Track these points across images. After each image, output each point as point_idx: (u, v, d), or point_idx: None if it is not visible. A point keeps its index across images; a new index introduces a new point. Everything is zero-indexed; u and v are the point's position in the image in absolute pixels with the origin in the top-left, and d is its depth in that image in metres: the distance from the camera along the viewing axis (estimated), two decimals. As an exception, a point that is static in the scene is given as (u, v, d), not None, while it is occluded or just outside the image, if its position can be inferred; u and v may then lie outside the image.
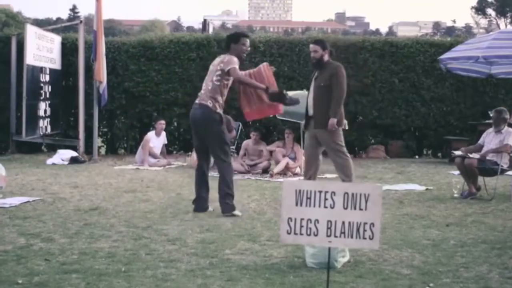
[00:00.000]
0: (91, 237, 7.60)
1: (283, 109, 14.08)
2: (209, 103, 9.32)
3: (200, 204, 9.54)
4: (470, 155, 11.20)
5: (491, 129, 11.53)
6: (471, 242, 7.67)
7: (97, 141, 17.48)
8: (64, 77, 18.92)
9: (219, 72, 9.35)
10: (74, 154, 16.30)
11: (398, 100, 19.28)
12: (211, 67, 9.54)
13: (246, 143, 15.29)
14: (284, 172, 14.26)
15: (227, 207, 9.26)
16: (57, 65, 18.29)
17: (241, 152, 15.23)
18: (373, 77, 19.23)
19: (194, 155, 14.91)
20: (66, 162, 15.74)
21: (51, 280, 5.81)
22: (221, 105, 9.49)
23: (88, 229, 8.06)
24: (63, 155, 16.12)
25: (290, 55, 19.22)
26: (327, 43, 10.74)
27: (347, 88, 10.39)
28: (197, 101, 9.47)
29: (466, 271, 6.36)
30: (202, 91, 9.45)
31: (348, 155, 10.55)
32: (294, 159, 14.56)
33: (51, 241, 7.37)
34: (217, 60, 9.56)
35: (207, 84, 9.41)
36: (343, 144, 10.52)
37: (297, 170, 14.37)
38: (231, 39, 9.81)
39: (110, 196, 10.64)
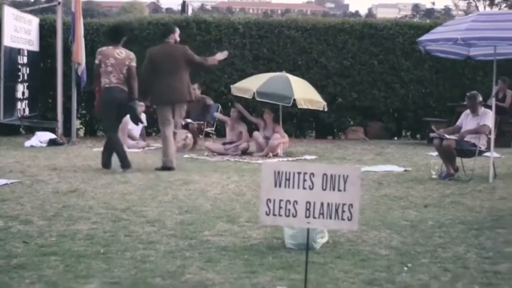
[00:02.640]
0: (70, 219, 7.58)
1: (262, 90, 14.15)
2: (125, 88, 11.36)
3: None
4: (448, 136, 11.25)
5: (468, 111, 11.57)
6: (449, 222, 7.71)
7: (76, 123, 17.39)
8: (42, 59, 18.81)
9: (126, 67, 11.35)
10: (53, 136, 16.22)
11: (377, 82, 19.33)
12: (118, 60, 11.30)
13: (228, 119, 15.23)
14: (266, 153, 14.19)
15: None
16: (35, 47, 18.16)
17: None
18: (352, 59, 19.26)
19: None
20: (44, 144, 15.66)
21: (30, 262, 5.79)
22: None
23: (67, 211, 8.03)
24: (42, 137, 16.04)
25: (270, 36, 19.20)
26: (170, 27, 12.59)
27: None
28: (119, 85, 11.32)
29: (444, 251, 6.40)
30: (117, 79, 11.30)
31: (164, 132, 11.99)
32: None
33: (30, 224, 7.34)
34: (123, 55, 11.40)
35: (123, 74, 11.31)
36: (162, 120, 12.04)
37: (278, 150, 14.35)
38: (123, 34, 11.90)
39: (88, 178, 10.60)
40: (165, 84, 11.81)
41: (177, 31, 12.32)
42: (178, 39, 12.26)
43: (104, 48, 11.64)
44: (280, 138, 14.38)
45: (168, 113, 11.98)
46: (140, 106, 15.63)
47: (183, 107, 12.33)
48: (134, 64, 11.46)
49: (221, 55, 12.56)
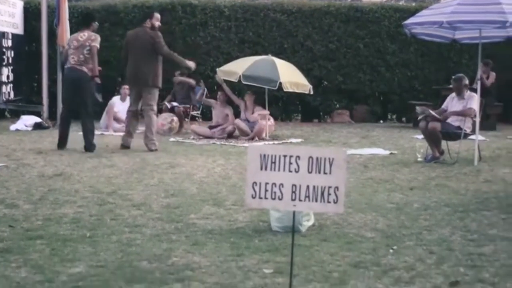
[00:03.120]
0: (56, 203, 7.56)
1: (248, 73, 14.14)
2: (83, 68, 11.75)
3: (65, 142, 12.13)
4: (432, 112, 11.27)
5: (454, 94, 11.60)
6: (434, 205, 7.75)
7: (61, 107, 17.29)
8: (27, 42, 18.71)
9: (88, 47, 11.76)
10: (38, 120, 16.16)
11: (363, 65, 19.36)
12: (79, 43, 11.77)
13: (214, 102, 15.23)
14: (253, 137, 14.18)
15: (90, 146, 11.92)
16: (19, 30, 18.07)
17: (207, 101, 15.46)
18: (338, 42, 19.27)
19: (159, 120, 14.91)
20: (29, 128, 15.61)
21: (16, 246, 5.77)
22: None
23: (53, 195, 8.01)
24: (27, 121, 15.98)
25: (255, 19, 19.18)
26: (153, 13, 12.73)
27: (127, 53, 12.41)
28: (75, 65, 11.74)
29: (429, 233, 6.43)
30: (75, 61, 11.73)
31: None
32: (252, 122, 14.46)
33: (15, 207, 7.32)
34: (85, 37, 11.83)
35: (84, 55, 11.72)
36: (130, 101, 12.72)
37: (263, 134, 14.35)
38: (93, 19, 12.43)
39: (74, 162, 10.57)
40: (133, 66, 12.24)
41: (156, 16, 12.54)
42: (157, 24, 12.44)
43: (74, 34, 12.43)
44: (263, 120, 14.33)
45: (133, 96, 12.53)
46: (127, 90, 15.66)
47: (151, 92, 12.30)
48: (95, 44, 11.84)
49: (189, 64, 12.99)
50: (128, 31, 12.91)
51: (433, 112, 11.31)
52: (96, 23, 12.35)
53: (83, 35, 11.89)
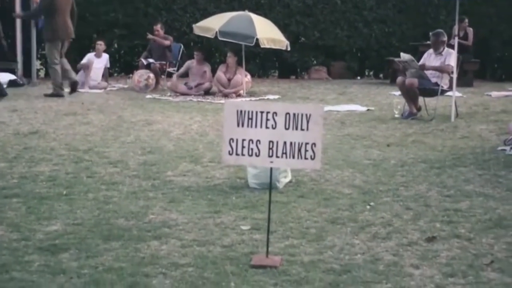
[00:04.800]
0: (31, 161, 7.50)
1: (225, 29, 14.02)
2: None
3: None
4: (405, 57, 11.30)
5: (431, 50, 11.58)
6: (411, 161, 7.78)
7: (36, 64, 17.10)
8: (-1, -2, 18.42)
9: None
10: (12, 77, 15.93)
11: (340, 21, 19.24)
12: None
13: (190, 62, 15.06)
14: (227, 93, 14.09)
15: None
16: (-8, -14, 17.78)
17: (182, 70, 15.04)
18: (315, -3, 19.12)
19: (135, 77, 14.80)
20: (4, 86, 15.38)
21: (-9, 204, 5.74)
22: None
23: (28, 152, 7.95)
24: (1, 78, 15.72)
25: (232, -26, 18.97)
26: None
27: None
28: None
29: (406, 190, 6.46)
30: None
31: (55, 65, 13.31)
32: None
33: (-10, 165, 7.27)
34: None
35: None
36: (53, 55, 13.27)
37: (240, 91, 14.29)
38: None
39: (50, 119, 10.48)
40: (63, 22, 13.20)
41: None
42: None
43: None
44: (240, 80, 14.26)
45: (58, 49, 13.29)
46: (101, 45, 15.54)
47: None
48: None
49: None
50: None
51: (407, 57, 11.33)
52: None
53: None
